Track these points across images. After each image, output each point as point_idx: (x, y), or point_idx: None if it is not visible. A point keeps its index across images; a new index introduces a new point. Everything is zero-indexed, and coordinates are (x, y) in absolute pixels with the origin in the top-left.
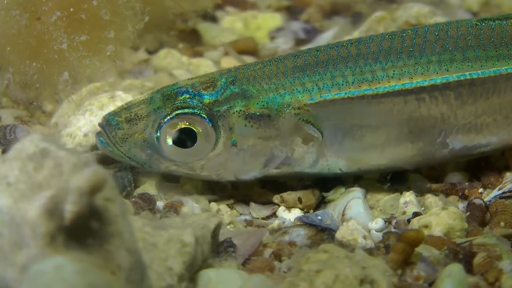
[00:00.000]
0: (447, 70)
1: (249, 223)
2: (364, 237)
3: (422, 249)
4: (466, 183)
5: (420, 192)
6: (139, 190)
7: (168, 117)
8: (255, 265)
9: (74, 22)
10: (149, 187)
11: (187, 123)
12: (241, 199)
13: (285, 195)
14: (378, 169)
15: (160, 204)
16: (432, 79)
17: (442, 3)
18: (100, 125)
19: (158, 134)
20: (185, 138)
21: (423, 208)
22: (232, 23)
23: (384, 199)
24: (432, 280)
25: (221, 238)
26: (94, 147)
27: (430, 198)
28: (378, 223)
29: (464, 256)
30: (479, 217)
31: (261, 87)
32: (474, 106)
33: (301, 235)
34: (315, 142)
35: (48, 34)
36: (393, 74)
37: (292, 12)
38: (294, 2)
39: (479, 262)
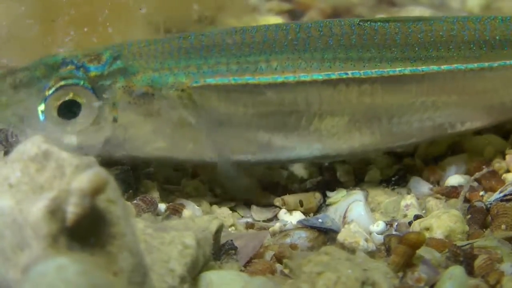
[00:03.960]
0: (330, 67)
1: (250, 225)
2: (366, 240)
3: (423, 252)
4: (467, 186)
5: (421, 195)
6: (141, 193)
7: (53, 88)
8: (256, 268)
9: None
10: (150, 189)
11: (72, 95)
12: (243, 201)
13: (286, 197)
14: (253, 162)
15: (161, 206)
16: (314, 75)
17: (443, 6)
18: None
19: (42, 105)
20: (68, 110)
21: (424, 211)
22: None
23: (385, 202)
24: (433, 283)
25: (223, 240)
26: None
27: (431, 201)
28: (379, 225)
29: (465, 259)
30: (480, 219)
31: (147, 65)
32: (354, 104)
33: (302, 237)
34: (193, 127)
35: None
36: (276, 66)
37: (293, 15)
38: (295, 5)
39: (480, 264)
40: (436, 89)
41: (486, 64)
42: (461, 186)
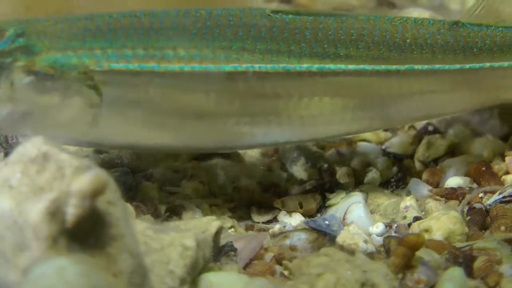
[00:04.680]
0: (237, 59)
1: (250, 227)
2: (365, 241)
3: (423, 253)
4: (467, 188)
5: (421, 197)
6: (140, 194)
7: None
8: (256, 269)
9: None
10: (150, 191)
11: None
12: (242, 203)
13: (286, 199)
14: (162, 150)
15: (161, 208)
16: (221, 66)
17: (443, 8)
18: None
19: None
20: None
21: (423, 213)
22: None
23: (384, 203)
24: (432, 284)
25: (222, 242)
26: (96, 151)
27: (430, 203)
28: (379, 227)
29: (464, 260)
30: (480, 221)
31: (50, 45)
32: (262, 100)
33: (302, 239)
34: (94, 111)
35: None
36: (183, 55)
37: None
38: (294, 6)
39: (479, 266)
40: (342, 88)
41: (393, 67)
42: (460, 188)
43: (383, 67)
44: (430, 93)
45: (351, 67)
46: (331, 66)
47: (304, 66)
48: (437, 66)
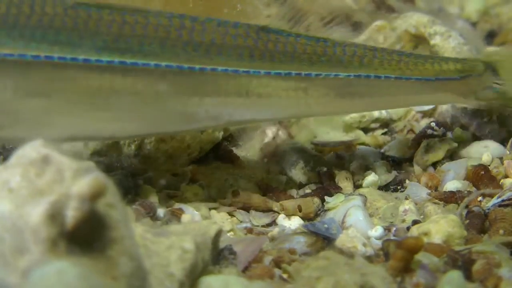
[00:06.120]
0: (37, 48)
1: (249, 230)
2: (364, 245)
3: (422, 257)
4: (465, 192)
5: (419, 200)
6: (140, 197)
7: None
8: (255, 272)
9: None
10: (150, 194)
11: None
12: (241, 206)
13: (285, 203)
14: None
15: (160, 211)
16: (20, 55)
17: (442, 12)
18: None
19: None
20: None
21: (422, 216)
22: None
23: (383, 207)
24: (431, 287)
25: (222, 245)
26: (95, 154)
27: (429, 206)
28: (378, 231)
29: (463, 264)
30: (478, 225)
31: None
32: (66, 91)
33: (301, 242)
34: None
35: None
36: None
37: (291, 21)
38: (293, 8)
39: (478, 269)
40: (144, 84)
41: (197, 66)
42: (459, 191)
43: (186, 66)
44: (233, 97)
45: (153, 63)
46: (132, 61)
47: (104, 60)
48: (242, 69)
